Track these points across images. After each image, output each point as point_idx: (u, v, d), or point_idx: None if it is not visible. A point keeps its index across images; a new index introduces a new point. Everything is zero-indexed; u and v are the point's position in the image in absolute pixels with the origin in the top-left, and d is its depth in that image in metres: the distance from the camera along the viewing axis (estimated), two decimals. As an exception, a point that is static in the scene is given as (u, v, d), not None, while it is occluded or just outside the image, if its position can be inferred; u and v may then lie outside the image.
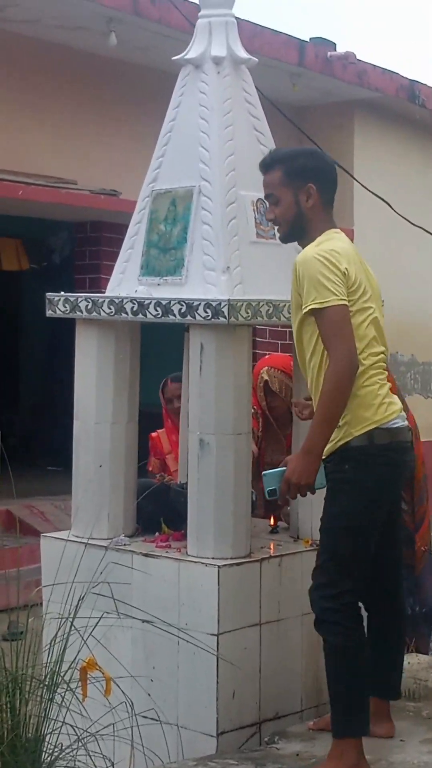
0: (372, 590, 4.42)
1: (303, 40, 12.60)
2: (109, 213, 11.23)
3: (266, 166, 4.56)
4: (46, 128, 11.32)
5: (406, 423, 4.39)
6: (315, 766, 4.24)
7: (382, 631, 4.50)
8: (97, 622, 4.33)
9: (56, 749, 4.07)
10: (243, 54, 5.26)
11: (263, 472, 4.46)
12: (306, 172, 4.46)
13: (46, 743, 4.04)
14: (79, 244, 12.42)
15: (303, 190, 4.42)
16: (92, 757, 4.07)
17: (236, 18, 5.35)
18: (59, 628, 4.21)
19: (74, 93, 11.53)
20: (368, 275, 4.47)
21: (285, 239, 4.65)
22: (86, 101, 11.63)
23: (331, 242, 4.34)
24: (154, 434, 7.03)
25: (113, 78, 11.74)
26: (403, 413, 4.41)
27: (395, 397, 4.42)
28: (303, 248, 4.44)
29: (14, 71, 11.05)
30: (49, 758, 4.05)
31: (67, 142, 11.45)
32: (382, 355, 4.40)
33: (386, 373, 4.41)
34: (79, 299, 5.21)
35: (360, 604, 4.34)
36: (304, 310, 4.20)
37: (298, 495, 4.26)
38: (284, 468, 4.25)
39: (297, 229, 4.49)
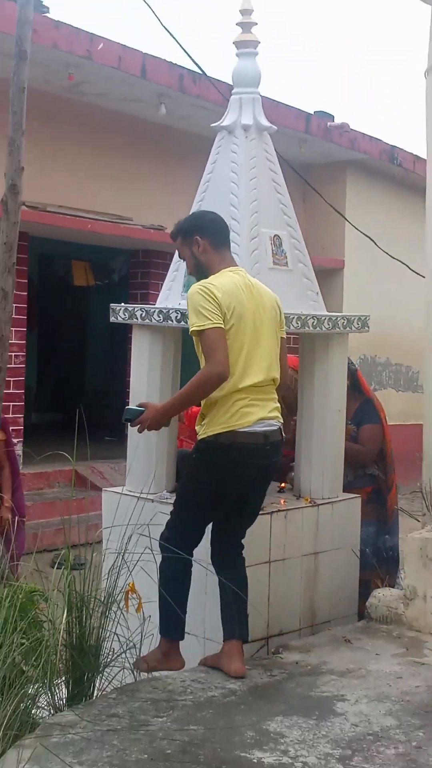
0: (222, 550, 4.42)
1: (309, 113, 12.58)
2: (157, 243, 11.25)
3: (172, 237, 4.62)
4: (109, 176, 11.34)
5: (265, 429, 4.26)
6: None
7: (226, 585, 4.37)
8: (140, 556, 4.34)
9: (110, 652, 4.13)
10: (266, 123, 5.27)
11: (126, 407, 4.64)
12: (191, 230, 4.45)
13: (103, 648, 4.09)
14: (133, 267, 12.45)
15: (193, 243, 4.42)
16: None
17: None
18: (114, 561, 4.26)
19: (132, 150, 11.56)
20: (258, 307, 4.34)
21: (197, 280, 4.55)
22: (141, 156, 11.65)
23: (216, 278, 4.29)
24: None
25: (162, 139, 11.76)
26: (270, 421, 4.29)
27: (261, 408, 4.28)
28: None
29: (86, 132, 11.10)
30: (105, 659, 4.11)
31: (126, 187, 11.47)
32: (256, 383, 4.27)
33: (264, 395, 4.31)
34: (136, 309, 5.22)
35: (193, 552, 4.41)
36: (190, 332, 4.22)
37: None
38: (143, 410, 4.42)
39: (200, 272, 4.43)
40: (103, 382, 15.41)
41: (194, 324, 4.16)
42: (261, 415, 4.25)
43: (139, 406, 4.52)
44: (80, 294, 14.64)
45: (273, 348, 4.37)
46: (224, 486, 4.30)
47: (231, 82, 5.41)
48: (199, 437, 4.29)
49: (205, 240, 4.40)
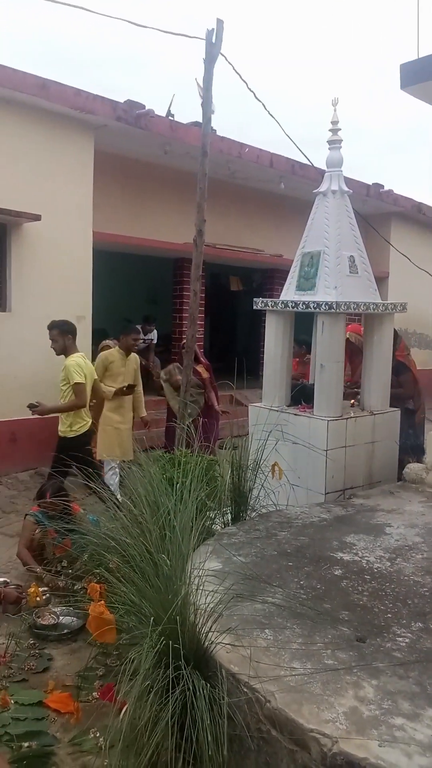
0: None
1: (368, 184, 12.01)
2: (278, 264, 11.03)
3: (50, 327, 5.10)
4: (250, 226, 11.17)
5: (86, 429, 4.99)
6: None
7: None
8: (276, 443, 4.36)
9: (255, 500, 4.14)
10: (345, 189, 5.05)
11: (30, 403, 5.09)
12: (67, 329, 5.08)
13: (250, 494, 4.10)
14: (265, 278, 12.30)
15: (66, 335, 5.04)
16: (273, 504, 4.17)
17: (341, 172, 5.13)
18: (258, 445, 4.27)
19: (264, 210, 11.35)
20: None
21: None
22: (268, 213, 11.43)
23: (79, 356, 4.99)
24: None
25: (282, 203, 11.47)
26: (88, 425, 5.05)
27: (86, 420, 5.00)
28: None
29: (237, 200, 10.94)
30: (253, 503, 4.12)
31: (259, 231, 11.29)
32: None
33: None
34: (268, 301, 5.15)
35: None
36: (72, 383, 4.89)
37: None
38: (38, 404, 4.99)
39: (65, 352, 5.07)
40: (246, 344, 15.36)
41: (74, 379, 4.87)
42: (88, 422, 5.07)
43: (36, 403, 4.96)
44: (233, 294, 14.55)
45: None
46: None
47: (323, 167, 5.16)
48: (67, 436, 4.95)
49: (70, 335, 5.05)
